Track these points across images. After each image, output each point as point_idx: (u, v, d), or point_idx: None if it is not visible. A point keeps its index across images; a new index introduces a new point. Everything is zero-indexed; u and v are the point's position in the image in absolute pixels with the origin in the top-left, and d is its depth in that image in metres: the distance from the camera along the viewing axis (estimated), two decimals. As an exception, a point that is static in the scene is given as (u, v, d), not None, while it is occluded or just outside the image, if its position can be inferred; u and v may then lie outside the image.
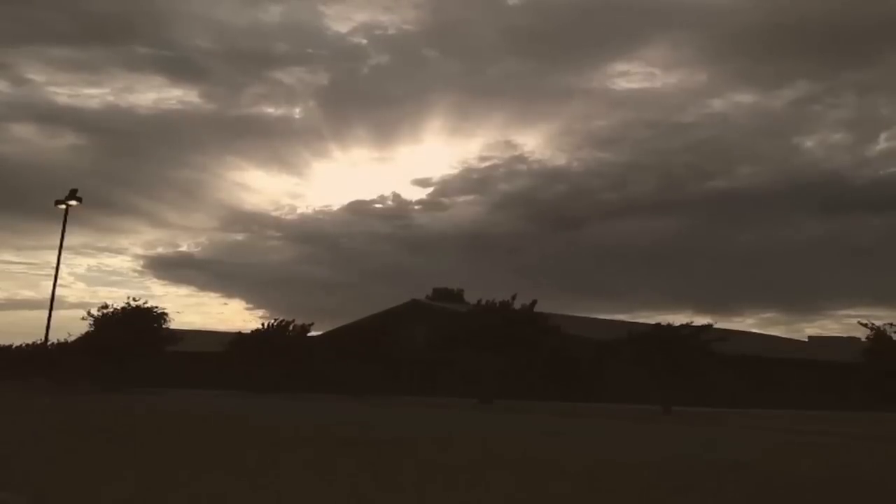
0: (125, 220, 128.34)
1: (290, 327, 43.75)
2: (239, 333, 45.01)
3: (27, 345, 55.93)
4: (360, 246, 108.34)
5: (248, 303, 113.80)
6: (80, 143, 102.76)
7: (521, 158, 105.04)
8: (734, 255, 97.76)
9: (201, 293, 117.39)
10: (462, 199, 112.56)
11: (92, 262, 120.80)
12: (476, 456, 10.89)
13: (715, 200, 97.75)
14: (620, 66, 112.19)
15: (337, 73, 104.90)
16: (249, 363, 42.33)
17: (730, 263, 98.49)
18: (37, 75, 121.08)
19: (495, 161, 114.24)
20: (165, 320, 42.18)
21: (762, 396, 36.12)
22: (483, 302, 36.39)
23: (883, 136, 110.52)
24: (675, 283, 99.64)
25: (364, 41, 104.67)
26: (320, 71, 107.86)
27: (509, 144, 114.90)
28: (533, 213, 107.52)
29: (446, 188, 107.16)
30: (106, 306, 41.68)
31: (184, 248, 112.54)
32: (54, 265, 43.74)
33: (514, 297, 35.46)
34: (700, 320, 31.81)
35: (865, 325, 34.76)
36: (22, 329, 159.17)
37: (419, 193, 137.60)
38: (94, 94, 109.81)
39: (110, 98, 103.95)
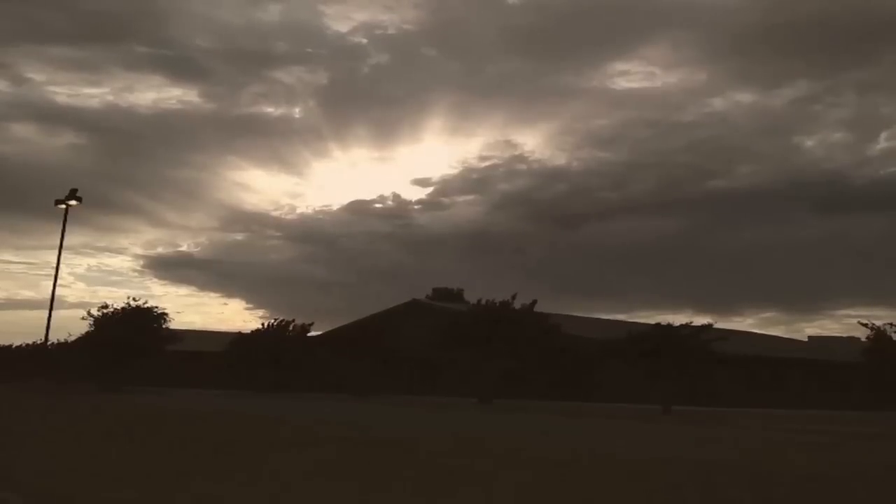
0: (125, 220, 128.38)
1: (290, 327, 43.76)
2: (239, 333, 45.05)
3: (27, 345, 55.95)
4: (359, 246, 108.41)
5: (248, 303, 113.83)
6: (79, 143, 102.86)
7: (520, 158, 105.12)
8: (734, 254, 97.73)
9: (201, 293, 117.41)
10: (462, 198, 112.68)
11: (92, 261, 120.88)
12: (468, 452, 10.92)
13: (715, 200, 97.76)
14: (620, 66, 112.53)
15: (337, 73, 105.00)
16: (249, 363, 42.33)
17: (730, 263, 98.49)
18: (36, 74, 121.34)
19: (495, 161, 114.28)
20: (165, 320, 42.17)
21: (762, 396, 36.13)
22: (483, 302, 36.39)
23: (883, 135, 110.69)
24: (675, 283, 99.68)
25: (364, 41, 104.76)
26: (320, 70, 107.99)
27: (509, 144, 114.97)
28: (533, 213, 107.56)
29: (446, 188, 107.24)
30: (106, 306, 41.71)
31: (184, 248, 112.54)
32: (54, 265, 43.84)
33: (514, 297, 35.50)
34: (700, 320, 31.86)
35: (865, 325, 34.80)
36: (22, 329, 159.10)
37: (419, 193, 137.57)
38: (93, 94, 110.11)
39: (110, 97, 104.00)
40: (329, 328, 50.55)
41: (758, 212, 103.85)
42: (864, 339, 35.22)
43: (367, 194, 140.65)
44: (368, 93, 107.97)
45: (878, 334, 34.17)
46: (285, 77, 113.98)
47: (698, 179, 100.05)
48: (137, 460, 9.36)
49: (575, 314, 49.71)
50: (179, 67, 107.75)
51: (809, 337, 62.50)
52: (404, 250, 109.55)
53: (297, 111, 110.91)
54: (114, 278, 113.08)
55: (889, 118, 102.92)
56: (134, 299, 41.84)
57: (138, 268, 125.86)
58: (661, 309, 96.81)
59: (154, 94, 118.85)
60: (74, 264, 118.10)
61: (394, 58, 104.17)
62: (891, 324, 34.28)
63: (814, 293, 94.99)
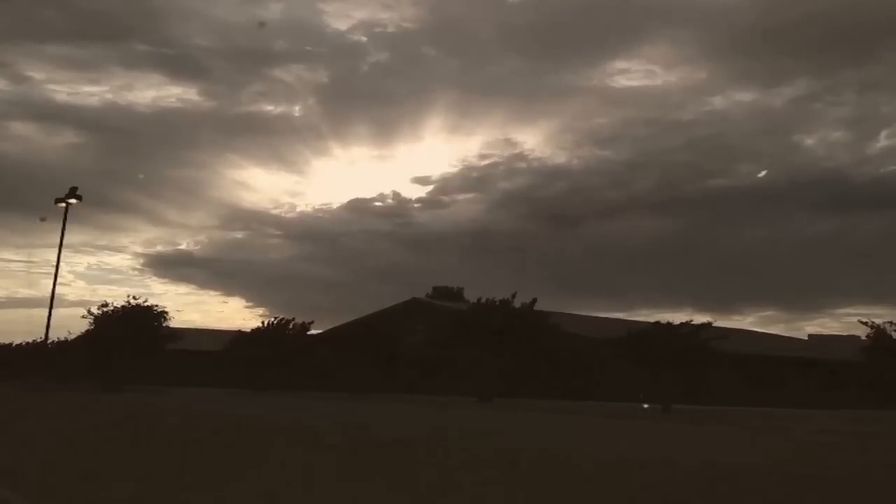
0: (125, 219, 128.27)
1: (290, 325, 43.78)
2: (239, 332, 45.07)
3: (27, 343, 55.97)
4: (359, 244, 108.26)
5: (247, 301, 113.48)
6: (79, 141, 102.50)
7: (520, 156, 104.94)
8: (734, 253, 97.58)
9: (201, 291, 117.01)
10: (462, 197, 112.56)
11: (92, 260, 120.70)
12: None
13: (715, 198, 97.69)
14: (620, 64, 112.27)
15: (336, 71, 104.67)
16: (249, 361, 42.34)
17: (729, 261, 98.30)
18: (36, 73, 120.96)
19: (495, 159, 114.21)
20: (165, 318, 42.11)
21: (762, 395, 36.14)
22: (483, 300, 36.38)
23: (883, 133, 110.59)
24: (675, 281, 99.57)
25: (364, 39, 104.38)
26: (320, 69, 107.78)
27: (509, 142, 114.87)
28: (533, 212, 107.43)
29: (446, 186, 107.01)
30: (106, 304, 41.68)
31: (183, 247, 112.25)
32: (54, 263, 43.82)
33: (514, 296, 35.49)
34: (699, 318, 31.77)
35: (865, 324, 34.70)
36: (22, 327, 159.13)
37: (419, 191, 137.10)
38: (93, 92, 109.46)
39: (109, 96, 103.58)
40: (329, 327, 50.64)
41: (758, 210, 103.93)
42: (864, 338, 35.16)
43: (367, 193, 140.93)
44: (368, 91, 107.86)
45: (879, 333, 34.10)
46: (285, 75, 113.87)
47: (698, 178, 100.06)
48: (141, 460, 9.35)
49: (575, 312, 49.77)
50: (179, 66, 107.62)
51: (809, 335, 62.53)
52: (404, 249, 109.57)
53: (296, 109, 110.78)
54: (114, 277, 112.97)
55: (889, 117, 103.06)
56: (134, 298, 41.84)
57: (138, 266, 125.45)
58: (660, 307, 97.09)
59: (153, 92, 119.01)
60: (74, 263, 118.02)
61: (394, 56, 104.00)
62: (891, 322, 34.20)
63: (814, 292, 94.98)
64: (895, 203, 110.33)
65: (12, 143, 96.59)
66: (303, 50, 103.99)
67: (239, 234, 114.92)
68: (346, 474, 8.56)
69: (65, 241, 44.13)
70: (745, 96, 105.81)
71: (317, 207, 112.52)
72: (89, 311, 41.24)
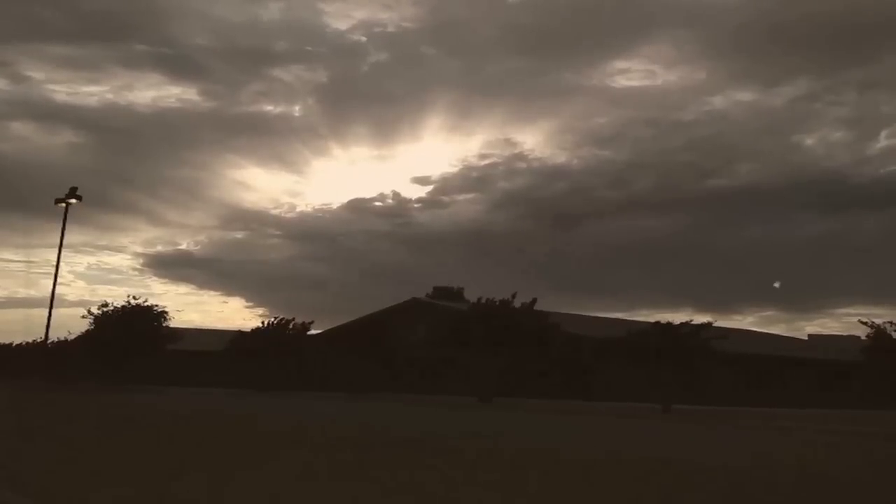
0: (125, 219, 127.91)
1: (290, 325, 43.78)
2: (239, 332, 45.05)
3: (27, 343, 55.96)
4: (359, 244, 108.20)
5: (247, 301, 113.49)
6: (78, 141, 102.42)
7: (520, 156, 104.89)
8: (734, 252, 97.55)
9: (201, 291, 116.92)
10: (462, 197, 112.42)
11: (92, 260, 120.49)
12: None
13: (715, 198, 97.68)
14: (620, 64, 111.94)
15: (336, 71, 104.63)
16: (249, 361, 42.34)
17: (729, 261, 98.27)
18: (35, 73, 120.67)
19: (495, 159, 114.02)
20: (165, 319, 42.20)
21: (762, 395, 36.14)
22: (483, 300, 36.37)
23: (883, 133, 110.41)
24: (675, 281, 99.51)
25: (363, 39, 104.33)
26: (320, 69, 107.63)
27: (509, 142, 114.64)
28: (533, 212, 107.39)
29: (446, 186, 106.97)
30: (106, 304, 41.77)
31: (183, 247, 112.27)
32: (54, 263, 43.89)
33: (514, 296, 35.47)
34: (700, 318, 31.79)
35: (865, 324, 34.74)
36: (22, 327, 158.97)
37: (419, 191, 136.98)
38: (92, 92, 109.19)
39: (109, 96, 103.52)
40: (329, 327, 50.59)
41: (758, 210, 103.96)
42: (864, 338, 35.19)
43: (367, 192, 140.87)
44: (368, 91, 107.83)
45: (879, 333, 34.13)
46: (285, 75, 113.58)
47: (698, 178, 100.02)
48: (141, 460, 9.36)
49: (575, 312, 49.74)
50: (178, 66, 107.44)
51: (809, 335, 62.58)
52: (404, 249, 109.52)
53: (296, 109, 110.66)
54: (113, 276, 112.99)
55: (889, 117, 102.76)
56: (134, 297, 41.93)
57: (138, 266, 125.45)
58: (660, 307, 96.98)
59: (153, 92, 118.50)
60: (74, 262, 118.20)
61: (393, 56, 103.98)
62: (891, 322, 34.24)
63: (814, 291, 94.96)
64: (895, 203, 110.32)
65: (12, 143, 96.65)
66: (303, 50, 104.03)
67: (239, 234, 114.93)
68: (347, 474, 8.56)
69: (65, 241, 44.24)
70: (745, 96, 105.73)
71: (317, 207, 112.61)
72: (89, 311, 41.42)
